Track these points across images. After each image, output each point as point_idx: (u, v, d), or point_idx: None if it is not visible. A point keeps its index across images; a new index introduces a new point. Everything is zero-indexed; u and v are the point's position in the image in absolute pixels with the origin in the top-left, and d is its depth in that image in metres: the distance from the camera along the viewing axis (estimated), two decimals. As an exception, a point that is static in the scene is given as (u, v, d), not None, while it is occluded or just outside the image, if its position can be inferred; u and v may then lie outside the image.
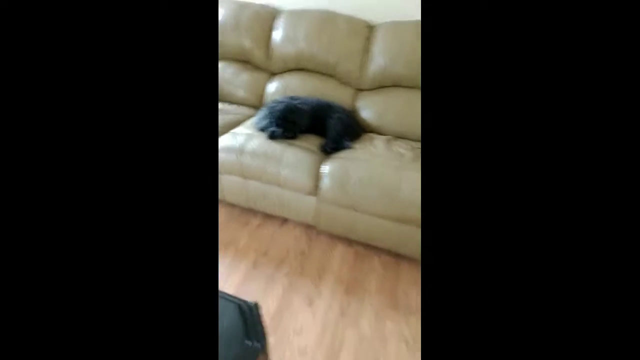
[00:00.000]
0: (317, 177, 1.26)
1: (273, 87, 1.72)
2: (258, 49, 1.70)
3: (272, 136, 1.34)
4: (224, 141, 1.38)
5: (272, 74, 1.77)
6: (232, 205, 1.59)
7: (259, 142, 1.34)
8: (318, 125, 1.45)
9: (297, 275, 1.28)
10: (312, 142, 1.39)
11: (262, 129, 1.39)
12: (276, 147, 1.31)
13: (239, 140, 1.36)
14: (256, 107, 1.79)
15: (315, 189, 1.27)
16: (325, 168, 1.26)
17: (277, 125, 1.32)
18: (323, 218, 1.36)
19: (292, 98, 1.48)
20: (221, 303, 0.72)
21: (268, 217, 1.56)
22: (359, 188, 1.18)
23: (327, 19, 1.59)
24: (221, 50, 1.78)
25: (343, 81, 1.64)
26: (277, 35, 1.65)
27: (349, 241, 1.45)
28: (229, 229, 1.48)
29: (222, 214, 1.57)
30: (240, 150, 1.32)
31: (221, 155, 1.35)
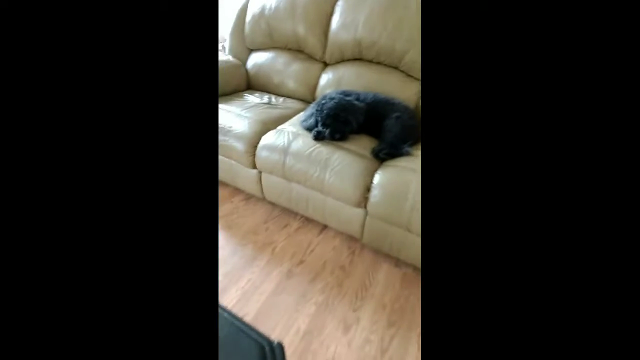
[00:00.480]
0: (365, 187, 1.08)
1: (326, 79, 1.57)
2: (313, 36, 1.55)
3: (318, 137, 1.19)
4: (268, 138, 1.28)
5: (326, 65, 1.61)
6: (272, 205, 1.52)
7: (304, 142, 1.21)
8: (373, 125, 1.26)
9: (333, 293, 1.15)
10: (365, 144, 1.21)
11: (309, 129, 1.25)
12: (322, 149, 1.16)
13: (284, 138, 1.25)
14: (307, 100, 1.66)
15: (362, 201, 1.10)
16: (377, 178, 1.07)
17: (325, 125, 1.17)
18: (369, 232, 1.19)
19: (345, 93, 1.31)
20: (242, 339, 0.62)
21: (308, 221, 1.45)
22: (416, 206, 0.97)
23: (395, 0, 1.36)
24: (273, 38, 1.67)
25: (410, 73, 1.40)
26: (335, 20, 1.48)
27: (397, 261, 1.26)
28: (267, 230, 1.41)
29: (261, 213, 1.50)
30: (284, 151, 1.21)
31: (264, 154, 1.26)
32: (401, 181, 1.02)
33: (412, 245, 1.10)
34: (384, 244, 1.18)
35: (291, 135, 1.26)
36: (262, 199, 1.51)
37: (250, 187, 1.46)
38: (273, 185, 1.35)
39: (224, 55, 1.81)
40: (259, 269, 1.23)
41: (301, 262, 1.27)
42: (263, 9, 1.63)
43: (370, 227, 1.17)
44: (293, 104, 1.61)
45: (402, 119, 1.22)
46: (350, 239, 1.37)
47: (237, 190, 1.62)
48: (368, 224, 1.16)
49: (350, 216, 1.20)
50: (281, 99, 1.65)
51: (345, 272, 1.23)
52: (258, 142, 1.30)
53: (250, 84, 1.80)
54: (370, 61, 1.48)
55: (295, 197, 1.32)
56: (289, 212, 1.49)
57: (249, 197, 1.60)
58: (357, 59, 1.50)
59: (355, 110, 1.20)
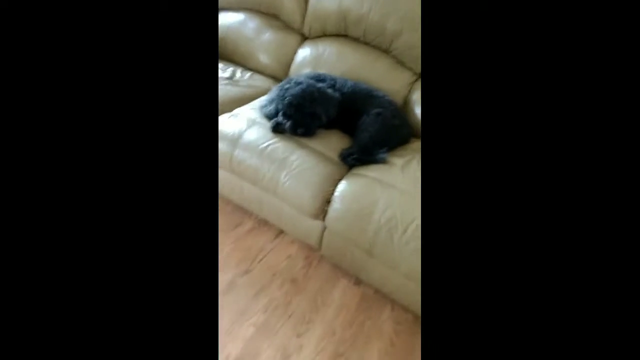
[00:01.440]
0: (325, 198, 0.90)
1: (302, 55, 1.32)
2: (290, -1, 1.27)
3: (276, 129, 0.98)
4: (220, 122, 1.05)
5: (305, 38, 1.35)
6: (225, 201, 1.32)
7: (259, 133, 0.99)
8: (349, 120, 1.05)
9: (278, 313, 0.99)
10: (334, 144, 1.01)
11: (269, 117, 1.03)
12: (279, 145, 0.95)
13: (237, 125, 1.02)
14: (279, 78, 1.41)
15: (320, 213, 0.92)
16: (340, 188, 0.89)
17: (286, 116, 0.95)
18: (328, 246, 1.03)
19: (318, 77, 1.08)
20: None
21: (264, 223, 1.27)
22: (385, 230, 0.80)
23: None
24: (245, -5, 1.38)
25: (401, 59, 1.17)
26: (318, -18, 1.21)
27: (357, 278, 1.12)
28: (215, 228, 1.22)
29: (213, 206, 1.30)
30: (233, 141, 0.99)
31: (212, 141, 1.04)
32: (367, 196, 0.83)
33: (373, 269, 0.94)
34: (344, 261, 1.02)
35: (246, 123, 1.03)
36: (214, 191, 1.30)
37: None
38: (223, 179, 1.14)
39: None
40: (196, 277, 1.05)
41: (247, 271, 1.10)
42: (233, -43, 1.32)
43: (328, 241, 1.00)
44: (260, 81, 1.36)
45: (383, 116, 1.02)
46: (310, 247, 1.20)
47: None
48: (326, 237, 0.99)
49: (307, 225, 1.02)
50: (248, 74, 1.39)
51: (296, 286, 1.08)
52: (207, 126, 1.06)
53: (216, 50, 1.51)
54: (356, 39, 1.23)
55: (247, 195, 1.12)
56: (242, 209, 1.29)
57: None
58: (342, 34, 1.25)
59: (327, 100, 0.98)
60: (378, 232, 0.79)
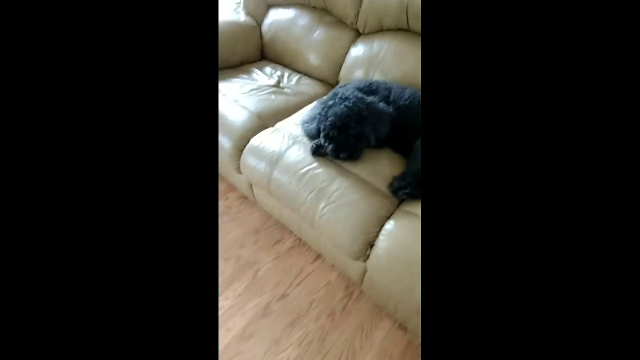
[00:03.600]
0: (367, 242, 0.76)
1: (355, 56, 1.14)
2: (343, -10, 1.09)
3: (317, 153, 0.86)
4: (259, 139, 0.98)
5: (359, 34, 1.16)
6: (267, 215, 1.28)
7: (300, 154, 0.89)
8: (404, 137, 0.87)
9: (312, 347, 0.93)
10: (384, 169, 0.85)
11: (310, 136, 0.91)
12: (319, 171, 0.84)
13: (278, 143, 0.94)
14: (330, 83, 1.27)
15: (361, 256, 0.79)
16: (387, 229, 0.74)
17: (328, 138, 0.82)
18: (370, 286, 0.90)
19: (369, 87, 0.91)
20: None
21: (305, 242, 1.19)
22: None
23: None
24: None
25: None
26: (376, -33, 1.00)
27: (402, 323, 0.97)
28: (256, 243, 1.20)
29: (255, 219, 1.28)
30: (273, 161, 0.91)
31: (250, 160, 0.97)
32: (418, 245, 0.67)
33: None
34: (388, 304, 0.89)
35: (288, 141, 0.94)
36: (256, 205, 1.27)
37: (243, 189, 1.22)
38: (264, 195, 1.09)
39: (235, 14, 1.45)
40: (234, 296, 1.05)
41: (284, 295, 1.05)
42: (283, -52, 1.19)
43: (370, 283, 0.88)
44: (309, 86, 1.24)
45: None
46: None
47: (233, 187, 1.40)
48: (368, 280, 0.87)
49: (348, 260, 0.91)
50: (295, 78, 1.28)
51: (334, 321, 0.99)
52: (247, 142, 1.01)
53: (265, 52, 1.44)
54: (419, 34, 1.00)
55: (286, 217, 1.05)
56: (283, 226, 1.24)
57: (245, 196, 1.37)
58: (402, 29, 1.03)
59: (377, 118, 0.82)
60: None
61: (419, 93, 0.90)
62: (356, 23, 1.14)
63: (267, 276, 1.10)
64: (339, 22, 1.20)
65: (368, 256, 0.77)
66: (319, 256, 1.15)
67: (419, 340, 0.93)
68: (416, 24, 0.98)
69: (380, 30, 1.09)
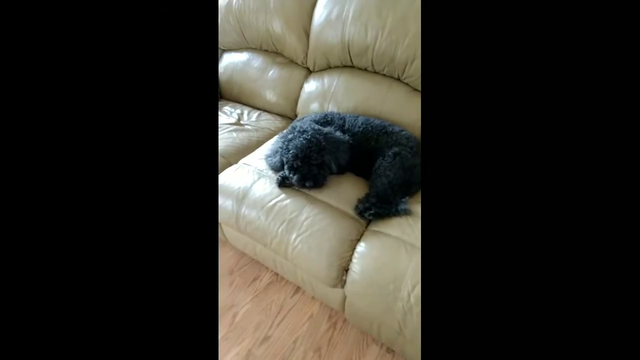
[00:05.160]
0: (342, 267, 0.77)
1: (308, 91, 1.23)
2: (291, 33, 1.19)
3: (283, 184, 0.88)
4: (224, 177, 0.98)
5: (310, 71, 1.26)
6: (240, 254, 1.24)
7: (266, 188, 0.90)
8: (363, 161, 0.93)
9: (302, 392, 0.87)
10: (348, 193, 0.88)
11: (275, 169, 0.93)
12: (287, 202, 0.85)
13: (244, 179, 0.95)
14: (289, 116, 1.33)
15: (339, 282, 0.79)
16: (359, 252, 0.76)
17: (292, 169, 0.85)
18: (352, 313, 0.89)
19: (325, 119, 0.97)
20: None
21: (282, 277, 1.16)
22: (416, 311, 0.65)
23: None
24: (245, 36, 1.33)
25: (417, 87, 1.03)
26: (317, 14, 1.11)
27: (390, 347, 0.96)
28: (232, 285, 1.14)
29: (228, 259, 1.23)
30: (239, 197, 0.91)
31: (219, 200, 0.96)
32: (391, 266, 0.69)
33: (407, 344, 0.79)
34: (371, 329, 0.88)
35: (253, 176, 0.95)
36: (227, 243, 1.23)
37: (212, 230, 1.18)
38: (235, 234, 1.07)
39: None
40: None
41: (266, 338, 1.00)
42: (231, 1, 1.29)
43: (351, 309, 0.87)
44: (269, 122, 1.29)
45: (401, 156, 0.88)
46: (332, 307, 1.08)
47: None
48: (348, 307, 0.86)
49: (327, 290, 0.90)
50: (255, 114, 1.33)
51: (321, 357, 0.95)
52: (212, 183, 1.00)
53: (223, 93, 1.48)
54: (364, 69, 1.12)
55: (260, 253, 1.03)
56: (259, 263, 1.20)
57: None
58: (347, 65, 1.14)
59: (336, 147, 0.87)
60: (408, 312, 0.65)
61: (371, 120, 0.98)
62: (306, 62, 1.24)
63: (246, 319, 1.04)
64: (290, 62, 1.30)
65: (344, 282, 0.77)
66: (298, 289, 1.12)
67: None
68: (359, 61, 1.09)
69: (328, 67, 1.19)
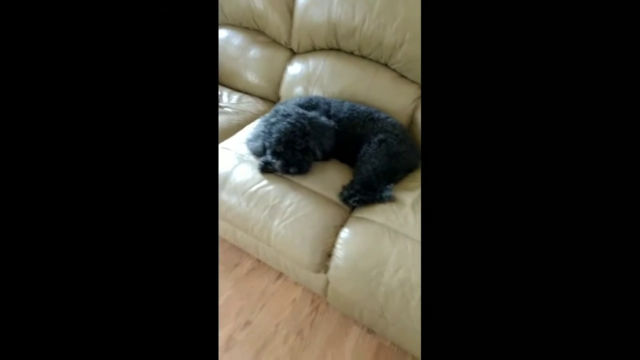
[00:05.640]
0: (325, 252, 0.77)
1: (292, 74, 1.18)
2: (274, 11, 1.13)
3: (265, 170, 0.85)
4: (203, 162, 0.94)
5: (294, 53, 1.21)
6: (220, 239, 1.21)
7: (248, 173, 0.87)
8: (348, 148, 0.92)
9: (284, 374, 0.89)
10: (333, 179, 0.88)
11: (256, 153, 0.90)
12: (270, 188, 0.83)
13: (224, 164, 0.91)
14: (271, 99, 1.28)
15: (322, 268, 0.79)
16: (342, 237, 0.76)
17: (275, 154, 0.82)
18: (334, 298, 0.91)
19: (309, 103, 0.95)
20: None
21: (264, 262, 1.16)
22: (398, 295, 0.67)
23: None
24: (224, 12, 1.25)
25: (404, 73, 1.02)
26: (303, -9, 1.06)
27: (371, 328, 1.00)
28: (212, 272, 1.12)
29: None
30: (221, 183, 0.88)
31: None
32: (375, 252, 0.70)
33: (388, 328, 0.82)
34: (353, 312, 0.90)
35: (234, 160, 0.92)
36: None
37: (191, 216, 1.14)
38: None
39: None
40: (191, 335, 0.96)
41: (248, 323, 1.00)
42: (208, -31, 1.19)
43: (334, 293, 0.88)
44: (250, 104, 1.23)
45: (386, 143, 0.88)
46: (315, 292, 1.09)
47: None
48: (331, 290, 0.87)
49: (310, 275, 0.90)
50: (236, 96, 1.27)
51: (303, 339, 0.96)
52: (190, 167, 0.95)
53: (200, 72, 1.39)
54: (351, 53, 1.09)
55: (241, 239, 1.01)
56: (240, 249, 1.19)
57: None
58: (334, 48, 1.11)
59: (321, 132, 0.85)
60: (391, 296, 0.67)
61: (357, 106, 0.96)
62: (290, 43, 1.18)
63: (227, 305, 1.03)
64: (272, 41, 1.23)
65: (328, 267, 0.78)
66: (280, 274, 1.12)
67: (388, 342, 0.96)
68: (346, 44, 1.06)
69: (313, 49, 1.15)
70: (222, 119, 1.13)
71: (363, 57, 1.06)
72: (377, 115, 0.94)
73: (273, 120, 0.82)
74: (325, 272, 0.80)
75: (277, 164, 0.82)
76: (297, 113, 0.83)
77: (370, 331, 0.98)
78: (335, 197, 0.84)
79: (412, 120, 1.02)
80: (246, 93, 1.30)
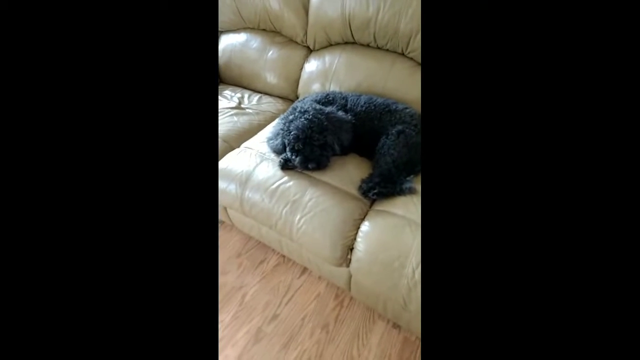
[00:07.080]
0: (346, 246, 0.78)
1: (309, 71, 1.19)
2: (289, 11, 1.15)
3: (285, 166, 0.87)
4: (227, 162, 0.98)
5: (310, 50, 1.22)
6: (247, 237, 1.26)
7: (269, 170, 0.90)
8: (366, 141, 0.91)
9: (311, 367, 0.91)
10: (352, 173, 0.88)
11: (276, 151, 0.93)
12: (290, 184, 0.85)
13: (247, 162, 0.94)
14: (290, 98, 1.31)
15: (344, 262, 0.80)
16: (363, 231, 0.76)
17: (294, 151, 0.84)
18: (357, 291, 0.91)
19: (327, 98, 0.95)
20: None
21: (289, 258, 1.18)
22: (421, 287, 0.66)
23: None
24: (243, 15, 1.29)
25: (420, 62, 0.99)
26: (317, -13, 1.06)
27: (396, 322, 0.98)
28: (240, 267, 1.17)
29: (235, 242, 1.25)
30: (243, 181, 0.91)
31: (220, 183, 0.97)
32: (396, 244, 0.69)
33: (413, 321, 0.80)
34: (377, 305, 0.90)
35: (256, 159, 0.95)
36: (234, 227, 1.25)
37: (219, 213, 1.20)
38: (240, 217, 1.08)
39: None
40: (223, 327, 1.01)
41: (275, 316, 1.03)
42: (226, -23, 1.24)
43: (357, 287, 0.88)
44: (270, 104, 1.26)
45: (405, 134, 0.86)
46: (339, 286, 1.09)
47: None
48: (354, 284, 0.87)
49: (332, 268, 0.91)
50: (256, 97, 1.31)
51: (328, 333, 0.98)
52: (215, 167, 1.00)
53: (222, 76, 1.45)
54: (366, 45, 1.07)
55: (266, 235, 1.04)
56: (265, 245, 1.22)
57: (221, 221, 1.34)
58: (349, 42, 1.10)
59: (338, 127, 0.85)
60: (413, 288, 0.65)
61: (374, 98, 0.95)
62: (306, 41, 1.19)
63: (255, 299, 1.07)
64: (289, 41, 1.25)
65: (350, 261, 0.78)
66: (305, 270, 1.14)
67: (414, 336, 0.94)
68: (361, 36, 1.05)
69: (329, 45, 1.15)
70: (243, 119, 1.17)
71: (379, 48, 1.05)
72: (394, 107, 0.92)
73: (291, 117, 0.84)
74: (348, 265, 0.80)
75: (297, 160, 0.84)
76: (314, 109, 0.84)
77: (395, 326, 0.97)
78: (354, 191, 0.83)
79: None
80: (266, 94, 1.34)
